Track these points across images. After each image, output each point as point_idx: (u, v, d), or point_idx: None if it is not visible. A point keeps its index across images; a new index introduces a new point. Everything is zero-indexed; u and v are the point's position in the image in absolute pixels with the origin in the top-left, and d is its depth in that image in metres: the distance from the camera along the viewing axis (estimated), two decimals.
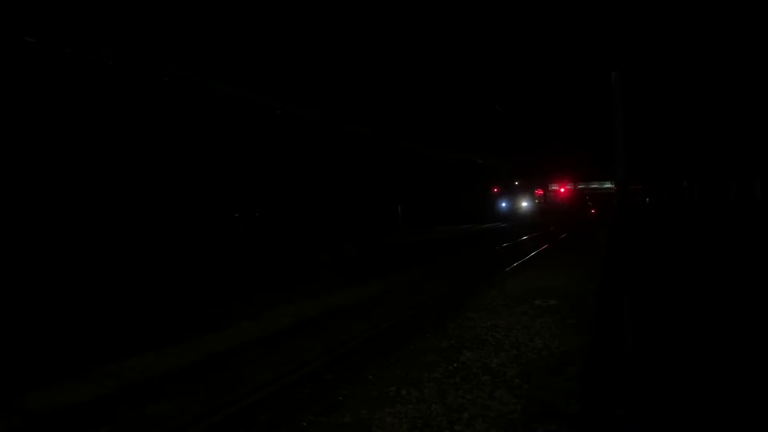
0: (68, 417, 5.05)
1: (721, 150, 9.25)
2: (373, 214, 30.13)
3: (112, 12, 16.06)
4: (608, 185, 62.67)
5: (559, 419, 4.72)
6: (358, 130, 28.90)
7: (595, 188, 67.71)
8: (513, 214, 49.51)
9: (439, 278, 13.40)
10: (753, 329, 5.91)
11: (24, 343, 7.80)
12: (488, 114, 39.38)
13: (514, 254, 18.63)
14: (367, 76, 27.64)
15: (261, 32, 21.20)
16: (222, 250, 18.17)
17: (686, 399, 4.52)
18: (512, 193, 52.31)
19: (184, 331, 8.03)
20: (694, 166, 11.76)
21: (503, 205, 50.40)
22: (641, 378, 4.96)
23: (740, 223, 8.28)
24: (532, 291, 10.86)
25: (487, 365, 6.22)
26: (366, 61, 26.71)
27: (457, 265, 16.37)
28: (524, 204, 52.31)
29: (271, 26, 21.15)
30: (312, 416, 4.92)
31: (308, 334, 7.88)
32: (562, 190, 62.65)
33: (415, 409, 5.01)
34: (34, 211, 14.34)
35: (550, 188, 63.00)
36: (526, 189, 53.98)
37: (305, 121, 24.36)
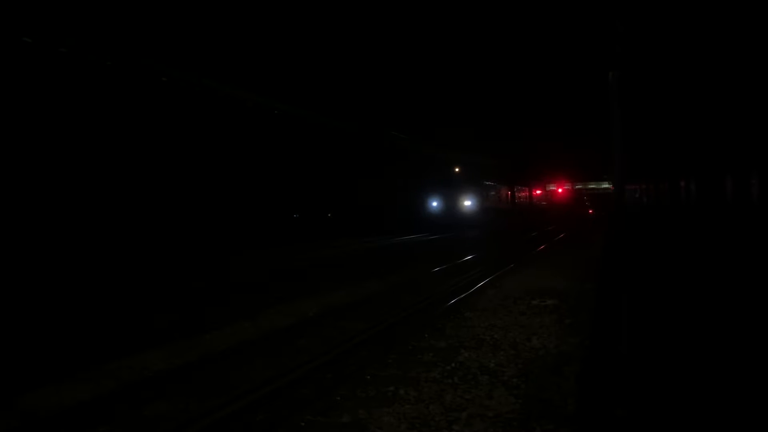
0: (67, 417, 5.04)
1: (717, 147, 9.26)
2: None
3: (110, 13, 16.04)
4: (606, 185, 62.74)
5: (557, 419, 4.73)
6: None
7: (593, 188, 67.84)
8: (452, 217, 35.70)
9: None
10: (751, 329, 5.93)
11: (23, 342, 7.79)
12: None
13: None
14: None
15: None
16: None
17: (684, 398, 4.53)
18: (450, 188, 37.23)
19: (182, 330, 8.03)
20: (691, 166, 11.79)
21: (434, 204, 36.64)
22: (639, 377, 4.97)
23: (736, 223, 8.31)
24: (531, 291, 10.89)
25: (485, 365, 6.23)
26: None
27: None
28: (467, 203, 38.14)
29: None
30: (310, 416, 4.92)
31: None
32: (560, 190, 62.84)
33: (414, 409, 5.02)
34: (37, 211, 14.32)
35: (548, 188, 63.07)
36: (474, 181, 39.46)
37: None
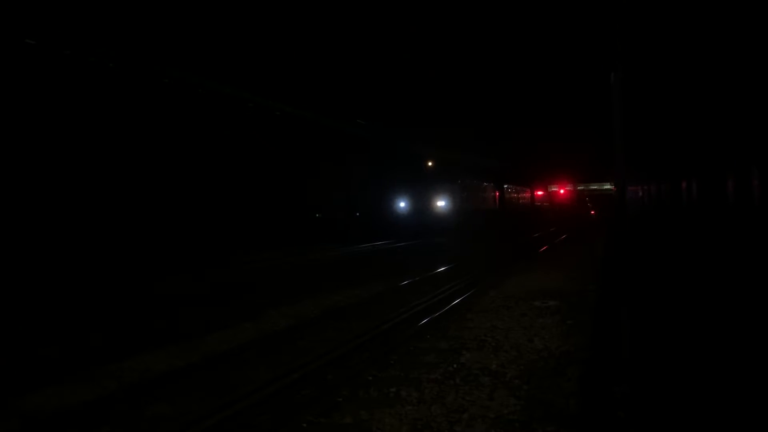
0: (68, 418, 5.04)
1: (718, 147, 9.24)
2: None
3: (113, 15, 16.08)
4: (608, 186, 62.67)
5: (558, 420, 4.72)
6: None
7: (595, 189, 67.79)
8: (423, 218, 30.66)
9: None
10: (750, 330, 5.92)
11: (24, 343, 7.81)
12: None
13: None
14: None
15: None
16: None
17: (685, 399, 4.53)
18: (420, 186, 31.72)
19: (184, 331, 8.03)
20: (692, 167, 11.78)
21: (401, 205, 31.35)
22: (640, 378, 4.96)
23: (736, 224, 8.31)
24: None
25: (487, 366, 6.22)
26: None
27: None
28: (441, 203, 32.45)
29: None
30: (312, 417, 4.92)
31: None
32: (562, 191, 62.81)
33: (415, 410, 5.02)
34: (41, 211, 14.35)
35: (549, 189, 63.01)
36: (453, 179, 33.84)
37: None
